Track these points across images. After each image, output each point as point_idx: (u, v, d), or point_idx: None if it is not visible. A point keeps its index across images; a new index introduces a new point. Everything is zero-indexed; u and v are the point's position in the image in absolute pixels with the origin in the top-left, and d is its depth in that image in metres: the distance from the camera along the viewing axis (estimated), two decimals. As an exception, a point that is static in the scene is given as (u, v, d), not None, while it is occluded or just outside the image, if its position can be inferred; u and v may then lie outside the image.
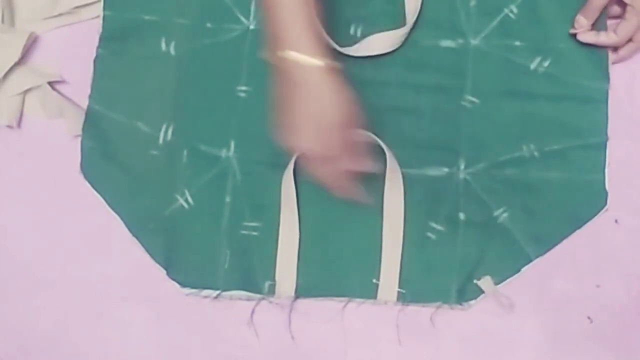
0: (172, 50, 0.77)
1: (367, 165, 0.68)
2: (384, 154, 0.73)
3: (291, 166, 0.73)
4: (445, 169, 0.75)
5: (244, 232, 0.74)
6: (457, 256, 0.73)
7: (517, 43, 0.76)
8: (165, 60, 0.77)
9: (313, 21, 0.63)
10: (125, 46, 0.77)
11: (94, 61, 0.78)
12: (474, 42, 0.76)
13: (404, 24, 0.76)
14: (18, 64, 0.78)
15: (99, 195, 0.75)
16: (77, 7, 0.79)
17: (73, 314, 0.75)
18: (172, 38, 0.77)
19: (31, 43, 0.79)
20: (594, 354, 0.72)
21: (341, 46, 0.76)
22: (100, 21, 0.78)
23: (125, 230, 0.75)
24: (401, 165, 0.73)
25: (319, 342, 0.74)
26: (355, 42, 0.76)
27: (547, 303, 0.73)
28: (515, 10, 0.77)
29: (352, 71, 0.76)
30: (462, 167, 0.74)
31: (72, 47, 0.79)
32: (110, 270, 0.75)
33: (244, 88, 0.76)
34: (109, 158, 0.76)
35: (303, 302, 0.74)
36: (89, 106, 0.77)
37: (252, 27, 0.77)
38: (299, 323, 0.74)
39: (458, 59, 0.76)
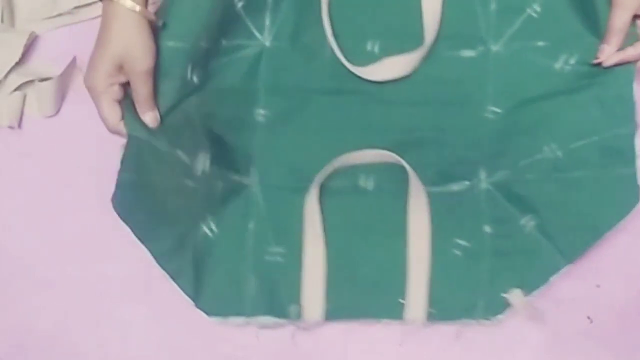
0: (195, 79, 0.73)
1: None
2: (406, 173, 0.71)
3: (315, 189, 0.71)
4: (467, 182, 0.73)
5: (268, 258, 0.72)
6: (484, 271, 0.71)
7: (540, 43, 0.73)
8: (190, 87, 0.73)
9: None
10: (155, 73, 0.71)
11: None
12: (495, 48, 0.74)
13: (422, 37, 0.74)
14: (18, 63, 0.78)
15: (127, 227, 0.72)
16: (77, 7, 0.80)
17: (73, 314, 0.75)
18: (196, 64, 0.73)
19: (31, 43, 0.79)
20: (594, 354, 0.72)
21: (358, 64, 0.74)
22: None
23: (126, 230, 0.75)
24: (424, 183, 0.71)
25: (319, 342, 0.74)
26: (373, 60, 0.74)
27: (547, 303, 0.73)
28: (538, 8, 0.73)
29: (370, 91, 0.74)
30: (482, 177, 0.73)
31: (72, 47, 0.79)
32: (110, 270, 0.75)
33: (262, 112, 0.75)
34: (143, 189, 0.72)
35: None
36: (129, 135, 0.72)
37: (267, 44, 0.75)
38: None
39: (479, 69, 0.74)
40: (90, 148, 0.77)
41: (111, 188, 0.76)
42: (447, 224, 0.72)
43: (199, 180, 0.72)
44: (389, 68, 0.74)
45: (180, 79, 0.72)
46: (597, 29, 0.72)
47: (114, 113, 0.68)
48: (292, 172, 0.73)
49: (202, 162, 0.72)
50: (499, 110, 0.73)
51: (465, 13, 0.74)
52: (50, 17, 0.80)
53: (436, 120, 0.74)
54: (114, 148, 0.72)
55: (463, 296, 0.71)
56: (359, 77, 0.74)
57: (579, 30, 0.73)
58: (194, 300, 0.72)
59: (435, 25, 0.73)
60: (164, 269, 0.71)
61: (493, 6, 0.74)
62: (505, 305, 0.71)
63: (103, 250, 0.76)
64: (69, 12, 0.80)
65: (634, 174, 0.70)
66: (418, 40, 0.74)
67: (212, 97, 0.74)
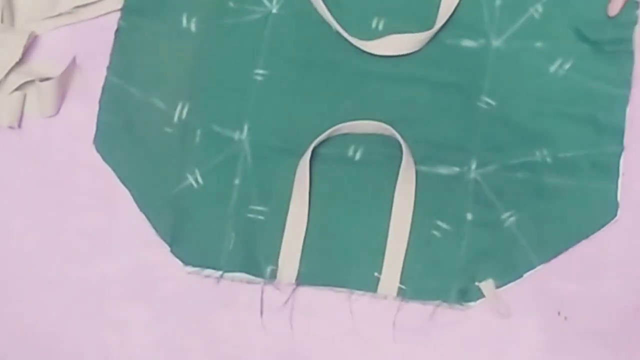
0: (192, 27, 0.77)
1: None
2: (395, 148, 0.73)
3: (309, 154, 0.73)
4: (457, 169, 0.74)
5: (250, 215, 0.74)
6: (461, 256, 0.73)
7: (539, 44, 0.75)
8: (185, 37, 0.77)
9: None
10: (146, 20, 0.77)
11: (115, 33, 0.78)
12: (495, 43, 0.75)
13: (427, 21, 0.75)
14: (18, 63, 0.78)
15: (110, 169, 0.76)
16: (77, 7, 0.79)
17: (73, 314, 0.75)
18: (194, 14, 0.77)
19: (31, 43, 0.79)
20: (594, 354, 0.72)
21: (361, 39, 0.75)
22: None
23: (126, 229, 0.75)
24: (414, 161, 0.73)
25: (320, 342, 0.74)
26: (376, 37, 0.75)
27: (546, 303, 0.73)
28: (540, 9, 0.75)
29: (368, 65, 0.76)
30: (473, 167, 0.74)
31: (72, 47, 0.79)
32: (110, 270, 0.75)
33: (261, 72, 0.76)
34: (124, 132, 0.76)
35: (304, 302, 0.74)
36: (107, 78, 0.77)
37: (274, 11, 0.77)
38: (299, 321, 0.74)
39: (478, 60, 0.75)
40: (90, 148, 0.77)
41: (111, 188, 0.76)
42: (431, 204, 0.74)
43: (176, 127, 0.75)
44: (393, 45, 0.75)
45: (174, 26, 0.77)
46: (592, 36, 0.75)
47: None
48: (283, 134, 0.75)
49: (180, 110, 0.75)
50: (492, 102, 0.75)
51: (471, 4, 0.76)
52: (50, 17, 0.80)
53: (430, 100, 0.75)
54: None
55: (437, 278, 0.73)
56: (361, 52, 0.75)
57: (577, 35, 0.75)
58: (170, 246, 0.74)
59: (450, 10, 0.75)
60: (143, 211, 0.74)
61: (498, 2, 0.76)
62: (478, 294, 0.72)
63: (103, 250, 0.76)
64: (69, 12, 0.80)
65: (615, 191, 0.73)
66: (423, 22, 0.75)
67: (212, 51, 0.76)
